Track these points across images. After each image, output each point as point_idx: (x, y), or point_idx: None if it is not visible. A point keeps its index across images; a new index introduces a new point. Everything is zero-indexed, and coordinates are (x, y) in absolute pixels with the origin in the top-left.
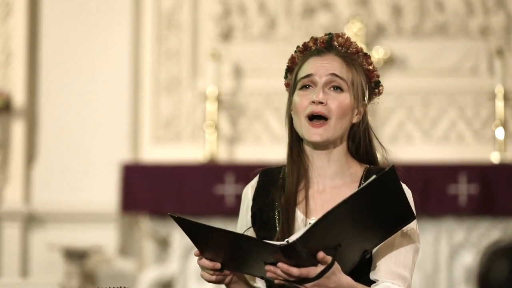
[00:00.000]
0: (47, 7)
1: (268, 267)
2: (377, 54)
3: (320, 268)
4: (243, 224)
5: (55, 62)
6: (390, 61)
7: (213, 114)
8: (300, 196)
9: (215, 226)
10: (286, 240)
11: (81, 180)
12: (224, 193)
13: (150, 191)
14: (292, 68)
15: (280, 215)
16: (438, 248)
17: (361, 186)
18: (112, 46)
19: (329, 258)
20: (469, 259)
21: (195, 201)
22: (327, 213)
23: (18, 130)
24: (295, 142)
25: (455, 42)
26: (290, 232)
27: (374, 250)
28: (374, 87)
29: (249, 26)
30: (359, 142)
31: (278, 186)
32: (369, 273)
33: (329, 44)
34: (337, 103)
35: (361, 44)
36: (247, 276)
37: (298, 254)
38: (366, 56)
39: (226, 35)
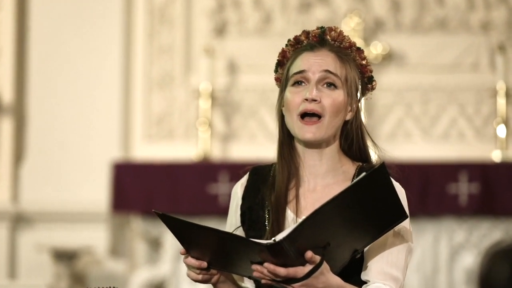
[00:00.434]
0: (36, 3)
1: (254, 267)
2: (375, 49)
3: (308, 268)
4: (232, 223)
5: (44, 59)
6: (388, 57)
7: (207, 111)
8: (291, 195)
9: (202, 224)
10: (273, 238)
11: (71, 179)
12: (217, 192)
13: (142, 190)
14: (282, 62)
15: (270, 214)
16: (438, 249)
17: (351, 183)
18: (103, 42)
19: (317, 258)
20: (469, 260)
21: (188, 200)
22: (315, 211)
23: (6, 127)
24: (286, 139)
25: (456, 37)
26: (280, 232)
27: (365, 250)
28: (367, 82)
29: (244, 21)
30: (352, 139)
31: (268, 185)
32: (360, 273)
33: (322, 38)
34: (330, 100)
35: (359, 40)
36: (235, 276)
37: (285, 253)
38: (359, 51)
39: (220, 30)
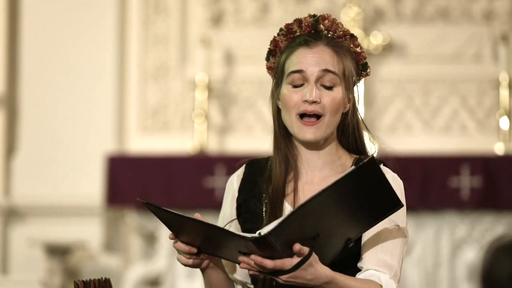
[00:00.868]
0: None
1: (241, 258)
2: (375, 40)
3: (296, 260)
4: (226, 215)
5: (36, 49)
6: (389, 48)
7: (203, 103)
8: (289, 188)
9: (187, 215)
10: (258, 232)
11: (64, 172)
12: (214, 186)
13: (137, 183)
14: (275, 51)
15: (267, 207)
16: (439, 244)
17: (339, 177)
18: (97, 32)
19: (306, 250)
20: (471, 255)
21: (184, 194)
22: (302, 205)
23: None
24: (282, 131)
25: (458, 27)
26: None
27: (362, 242)
28: (362, 69)
29: (240, 10)
30: (348, 130)
31: (265, 178)
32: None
33: (315, 28)
34: (330, 99)
35: (358, 30)
36: (226, 269)
37: (271, 246)
38: (353, 38)
39: (217, 20)
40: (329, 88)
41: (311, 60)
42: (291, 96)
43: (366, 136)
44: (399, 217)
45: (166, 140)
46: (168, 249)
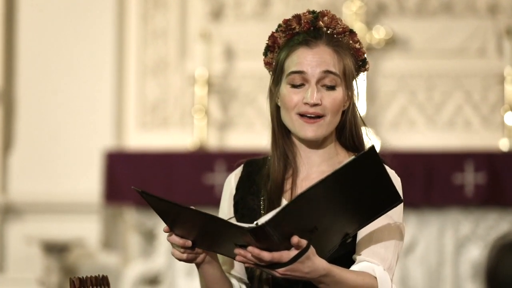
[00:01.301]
0: None
1: (237, 251)
2: (377, 34)
3: (293, 252)
4: (224, 214)
5: (33, 44)
6: (392, 42)
7: (203, 99)
8: (287, 185)
9: (183, 204)
10: (255, 222)
11: (62, 169)
12: (214, 182)
13: (136, 180)
14: (273, 47)
15: (265, 203)
16: (443, 242)
17: (339, 166)
18: (95, 27)
19: (304, 242)
20: (476, 253)
21: (183, 190)
22: (300, 195)
23: None
24: (280, 128)
25: (462, 21)
26: None
27: (358, 234)
28: (361, 65)
29: (241, 4)
30: (346, 126)
31: (263, 175)
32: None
33: (314, 25)
34: (331, 100)
35: (361, 24)
36: (223, 267)
37: (269, 237)
38: (353, 34)
39: (217, 14)
40: (330, 88)
41: (312, 61)
42: (291, 96)
43: (364, 133)
44: (395, 212)
45: (165, 136)
46: (167, 247)
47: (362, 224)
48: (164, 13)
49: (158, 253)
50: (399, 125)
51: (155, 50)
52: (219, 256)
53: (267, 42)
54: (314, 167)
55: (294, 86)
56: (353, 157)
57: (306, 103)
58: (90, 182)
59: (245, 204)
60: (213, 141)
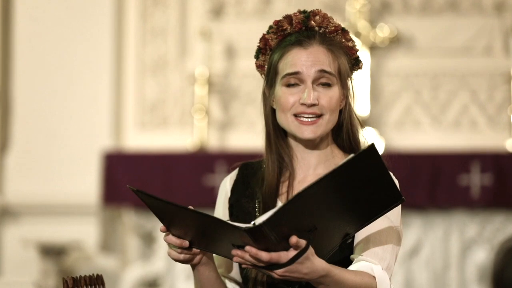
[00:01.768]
0: None
1: (235, 252)
2: (382, 32)
3: (292, 253)
4: (219, 217)
5: (30, 42)
6: (396, 40)
7: (203, 98)
8: (283, 188)
9: (180, 204)
10: (253, 222)
11: (59, 170)
12: (214, 184)
13: (134, 181)
14: (265, 49)
15: (260, 206)
16: (449, 244)
17: (338, 165)
18: (93, 24)
19: (303, 242)
20: (482, 256)
21: (183, 192)
22: (297, 194)
23: None
24: (275, 131)
25: (467, 19)
26: None
27: (356, 235)
28: (354, 63)
29: (242, 1)
30: (343, 127)
31: (259, 178)
32: None
33: (306, 25)
34: (328, 99)
35: (364, 22)
36: (219, 270)
37: (266, 237)
38: (345, 33)
39: (217, 12)
40: (327, 86)
41: (306, 61)
42: (287, 98)
43: (361, 134)
44: (393, 213)
45: (164, 136)
46: (166, 250)
47: (363, 224)
48: (164, 10)
49: (157, 256)
50: (403, 125)
51: (154, 48)
52: (215, 259)
53: (258, 44)
54: (310, 169)
55: (289, 87)
56: (352, 155)
57: (303, 104)
58: (88, 184)
59: (240, 207)
60: (214, 142)
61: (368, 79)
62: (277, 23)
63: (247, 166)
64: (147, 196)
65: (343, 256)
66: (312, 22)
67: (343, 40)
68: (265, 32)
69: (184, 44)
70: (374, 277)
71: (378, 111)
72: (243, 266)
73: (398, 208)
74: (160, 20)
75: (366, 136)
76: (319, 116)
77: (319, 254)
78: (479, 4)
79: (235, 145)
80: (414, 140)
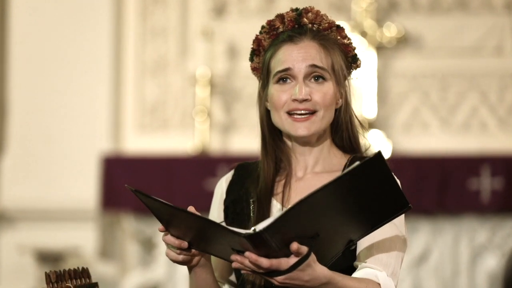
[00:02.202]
0: None
1: (234, 257)
2: (389, 32)
3: (293, 260)
4: (213, 218)
5: (26, 42)
6: (403, 40)
7: (205, 100)
8: (279, 187)
9: (180, 207)
10: (253, 228)
11: (56, 174)
12: None
13: (134, 185)
14: (258, 50)
15: (255, 205)
16: (458, 250)
17: (343, 172)
18: (91, 23)
19: (304, 249)
20: (492, 262)
21: (184, 196)
22: (301, 201)
23: None
24: (270, 134)
25: (477, 18)
26: None
27: (359, 244)
28: (351, 62)
29: (245, 0)
30: (342, 128)
31: (254, 178)
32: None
33: (299, 23)
34: (321, 95)
35: (371, 21)
36: (216, 273)
37: (267, 244)
38: (340, 29)
39: (219, 11)
40: (319, 81)
41: (297, 56)
42: (280, 95)
43: (362, 134)
44: (397, 219)
45: (165, 139)
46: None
47: (367, 231)
48: (164, 9)
49: (157, 262)
50: (411, 128)
51: (154, 48)
52: (212, 261)
53: (252, 46)
54: (309, 168)
55: (281, 84)
56: (358, 162)
57: (295, 100)
58: (86, 188)
59: (235, 208)
60: (216, 145)
61: (375, 80)
62: (269, 22)
63: (243, 166)
64: (145, 196)
65: (346, 263)
66: (305, 19)
67: (338, 37)
68: (257, 33)
69: (185, 44)
70: (379, 284)
71: (385, 113)
72: (242, 272)
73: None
74: (160, 19)
75: (368, 138)
76: (313, 113)
77: (321, 261)
78: (489, 2)
79: (238, 148)
80: (422, 143)
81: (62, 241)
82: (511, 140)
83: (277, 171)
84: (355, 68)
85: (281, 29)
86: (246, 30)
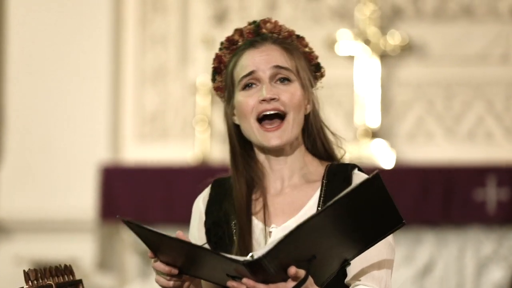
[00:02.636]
0: None
1: (231, 284)
2: (392, 40)
3: (291, 284)
4: (195, 241)
5: (24, 49)
6: (408, 48)
7: (205, 109)
8: (258, 205)
9: (172, 236)
10: (251, 254)
11: (54, 184)
12: None
13: (133, 196)
14: (219, 68)
15: (236, 227)
16: (463, 262)
17: (341, 194)
18: (90, 31)
19: (302, 273)
20: (498, 275)
21: (184, 207)
22: (299, 225)
23: None
24: (239, 149)
25: (483, 25)
26: (247, 244)
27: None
28: (315, 70)
29: (246, 7)
30: (313, 135)
31: (231, 197)
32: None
33: (258, 34)
34: (289, 95)
35: (374, 29)
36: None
37: (265, 270)
38: (300, 39)
39: (220, 18)
40: (285, 82)
41: (260, 59)
42: (247, 101)
43: (334, 142)
44: None
45: (165, 148)
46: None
47: (362, 249)
48: (164, 17)
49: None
50: (415, 137)
51: (154, 56)
52: (202, 284)
53: (212, 65)
54: (285, 180)
55: (247, 90)
56: (355, 184)
57: (263, 100)
58: (85, 198)
59: (217, 231)
60: (216, 155)
61: (379, 89)
62: (228, 38)
63: (219, 183)
64: (138, 227)
65: (338, 281)
66: (264, 30)
67: (300, 46)
68: (217, 51)
69: (185, 52)
70: None
71: (389, 122)
72: None
73: None
74: (160, 26)
75: (343, 146)
76: (282, 117)
77: (317, 282)
78: (496, 9)
79: None
80: (427, 153)
81: (60, 252)
82: None
83: (253, 187)
84: (319, 78)
85: (240, 42)
86: None
